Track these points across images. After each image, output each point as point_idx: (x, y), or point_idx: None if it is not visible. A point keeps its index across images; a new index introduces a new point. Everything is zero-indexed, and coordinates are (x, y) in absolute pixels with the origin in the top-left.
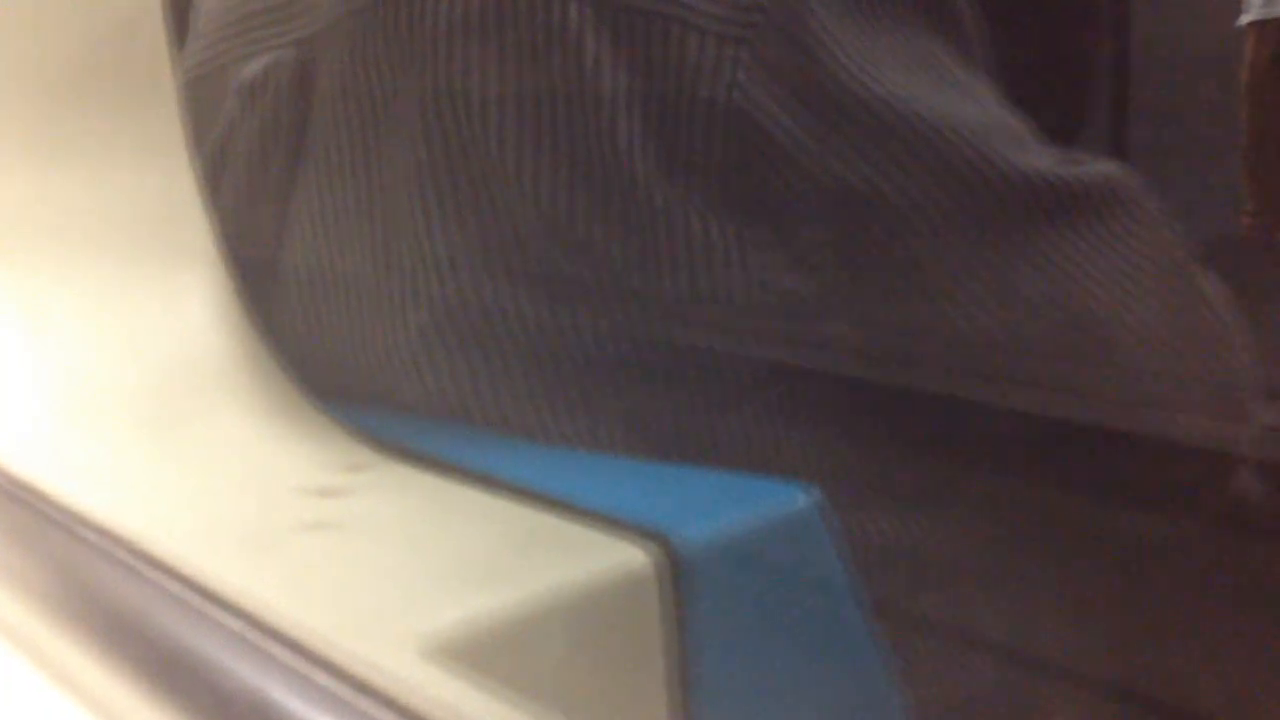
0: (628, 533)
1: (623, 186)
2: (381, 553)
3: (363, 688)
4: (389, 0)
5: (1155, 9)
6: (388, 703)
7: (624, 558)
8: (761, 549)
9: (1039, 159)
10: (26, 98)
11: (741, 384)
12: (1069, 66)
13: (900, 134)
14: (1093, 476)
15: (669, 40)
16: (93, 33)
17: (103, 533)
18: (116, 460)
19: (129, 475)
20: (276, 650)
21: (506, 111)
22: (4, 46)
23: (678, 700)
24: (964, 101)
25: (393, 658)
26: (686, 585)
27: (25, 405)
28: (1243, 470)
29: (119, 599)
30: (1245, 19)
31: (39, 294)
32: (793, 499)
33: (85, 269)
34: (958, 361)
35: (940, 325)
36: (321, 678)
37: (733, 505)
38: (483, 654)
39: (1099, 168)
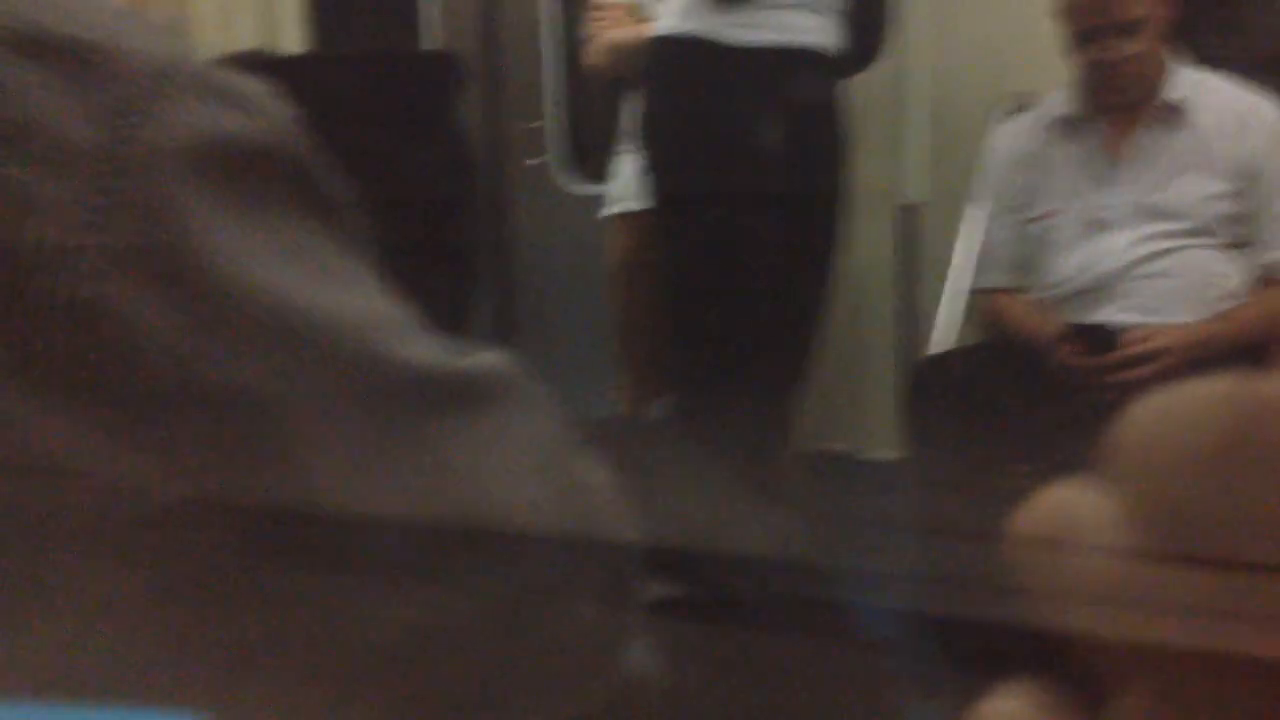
0: None
1: None
2: None
3: None
4: None
5: (525, 200)
6: None
7: None
8: None
9: (424, 351)
10: None
11: (116, 600)
12: (452, 255)
13: (276, 330)
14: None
15: (0, 224)
16: None
17: None
18: None
19: None
20: None
21: None
22: None
23: None
24: (345, 293)
25: None
26: None
27: None
28: (632, 648)
29: None
30: (606, 212)
31: None
32: None
33: None
34: (362, 555)
35: (337, 523)
36: None
37: None
38: None
39: (484, 358)
